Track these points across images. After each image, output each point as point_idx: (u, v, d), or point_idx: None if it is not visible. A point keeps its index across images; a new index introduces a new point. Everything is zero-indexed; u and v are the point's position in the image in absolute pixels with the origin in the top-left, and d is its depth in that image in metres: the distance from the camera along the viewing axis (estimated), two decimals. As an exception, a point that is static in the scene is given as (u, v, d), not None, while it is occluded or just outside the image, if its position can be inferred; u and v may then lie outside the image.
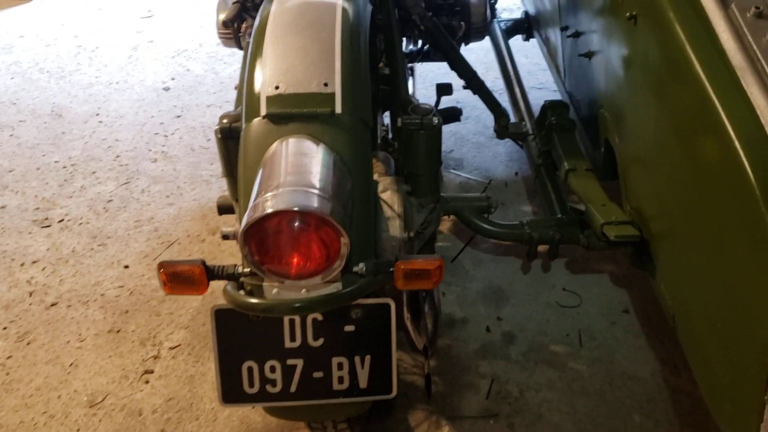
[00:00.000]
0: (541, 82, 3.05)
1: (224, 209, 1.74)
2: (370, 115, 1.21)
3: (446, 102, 2.03)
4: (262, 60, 1.23)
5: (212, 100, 3.02)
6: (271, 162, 1.07)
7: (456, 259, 2.13)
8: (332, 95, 1.15)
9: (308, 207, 0.95)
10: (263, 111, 1.14)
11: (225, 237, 1.51)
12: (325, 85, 1.16)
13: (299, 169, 1.03)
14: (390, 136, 1.93)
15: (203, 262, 1.06)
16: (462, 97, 2.36)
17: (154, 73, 3.24)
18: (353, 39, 1.25)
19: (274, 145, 1.10)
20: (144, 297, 2.07)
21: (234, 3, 2.08)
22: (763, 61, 0.96)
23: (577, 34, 1.80)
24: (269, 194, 0.97)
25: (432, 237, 1.67)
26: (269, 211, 0.94)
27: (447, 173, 2.56)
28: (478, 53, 3.19)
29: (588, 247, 1.55)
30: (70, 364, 1.85)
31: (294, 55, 1.20)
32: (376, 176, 1.53)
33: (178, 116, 2.94)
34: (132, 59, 3.34)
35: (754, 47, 0.98)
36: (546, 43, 2.31)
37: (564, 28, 1.93)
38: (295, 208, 0.94)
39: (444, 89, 2.17)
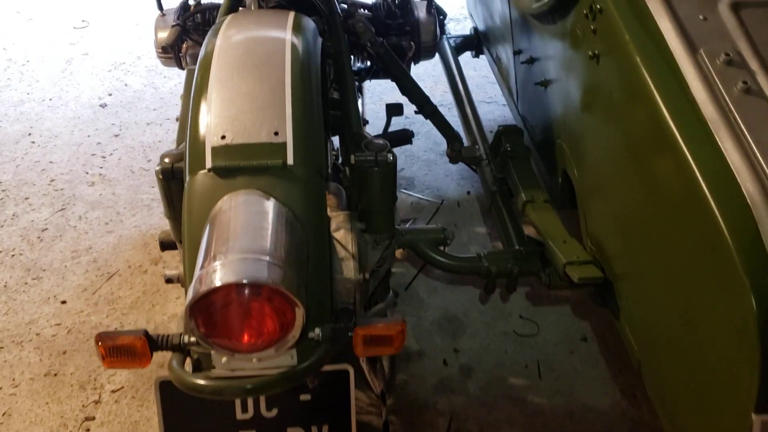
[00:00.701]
0: (490, 96, 3.01)
1: (167, 245, 1.65)
2: (324, 164, 1.14)
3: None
4: (207, 104, 1.15)
5: (152, 117, 2.90)
6: (218, 221, 0.99)
7: (410, 287, 2.07)
8: (283, 145, 1.07)
9: (258, 278, 0.87)
10: (209, 163, 1.06)
11: (168, 281, 1.42)
12: (276, 134, 1.08)
13: (248, 231, 0.96)
14: (340, 161, 1.87)
15: (145, 333, 0.97)
16: (411, 111, 2.30)
17: (90, 88, 3.10)
18: (304, 80, 1.18)
19: (221, 201, 1.02)
20: (83, 335, 1.96)
21: (173, 26, 1.99)
22: (735, 114, 0.93)
23: (531, 60, 1.75)
24: (217, 263, 0.90)
25: (387, 272, 1.61)
26: (217, 284, 0.87)
27: (398, 193, 2.49)
28: (426, 66, 3.13)
29: (549, 286, 1.50)
30: (3, 414, 1.73)
31: (241, 101, 1.12)
32: (327, 211, 1.46)
33: (117, 135, 2.81)
34: (66, 73, 3.19)
35: (726, 98, 0.95)
36: (497, 62, 2.27)
37: (517, 52, 1.88)
38: (245, 281, 0.87)
39: (394, 110, 2.11)
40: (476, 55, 2.60)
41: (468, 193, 2.48)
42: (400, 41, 2.16)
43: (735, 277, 0.90)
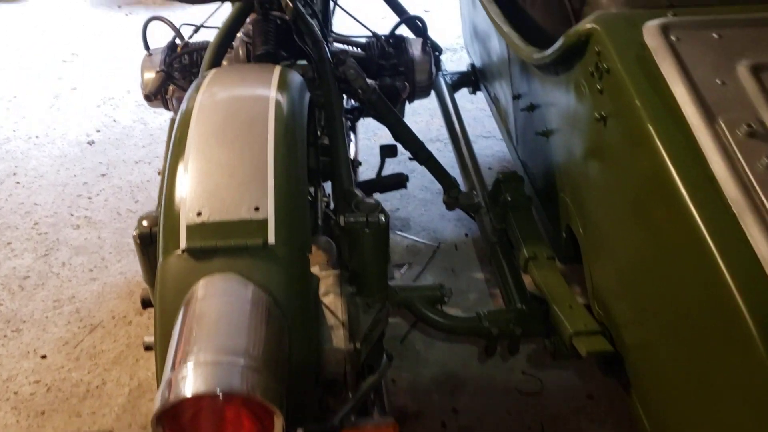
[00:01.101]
0: (488, 131, 2.93)
1: (148, 303, 1.56)
2: (308, 240, 1.05)
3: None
4: (183, 174, 1.06)
5: (141, 155, 2.82)
6: (191, 311, 0.90)
7: (405, 339, 1.98)
8: (264, 222, 0.98)
9: (233, 388, 0.78)
10: (183, 243, 0.97)
11: (147, 348, 1.34)
12: (256, 209, 1.00)
13: (222, 326, 0.87)
14: (332, 206, 1.78)
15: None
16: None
17: (78, 125, 3.02)
18: (288, 147, 1.09)
19: (195, 287, 0.93)
20: (63, 394, 1.86)
21: (157, 72, 1.91)
22: (761, 194, 0.84)
23: (531, 108, 1.67)
24: (188, 365, 0.80)
25: (381, 334, 1.52)
26: (186, 395, 0.77)
27: (393, 235, 2.41)
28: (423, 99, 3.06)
29: (554, 355, 1.41)
30: (-24, 484, 1.63)
31: (220, 173, 1.03)
32: (316, 269, 1.37)
33: (104, 174, 2.72)
34: (53, 109, 3.11)
35: (750, 175, 0.86)
36: (495, 101, 2.18)
37: (516, 97, 1.80)
38: (217, 391, 0.78)
39: (388, 151, 2.03)
40: (473, 92, 2.52)
41: (466, 235, 2.40)
42: (394, 82, 2.08)
43: (759, 362, 0.82)
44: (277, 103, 1.18)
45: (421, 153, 1.88)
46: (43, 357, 1.98)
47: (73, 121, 3.04)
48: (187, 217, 0.99)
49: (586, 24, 1.14)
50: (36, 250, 2.37)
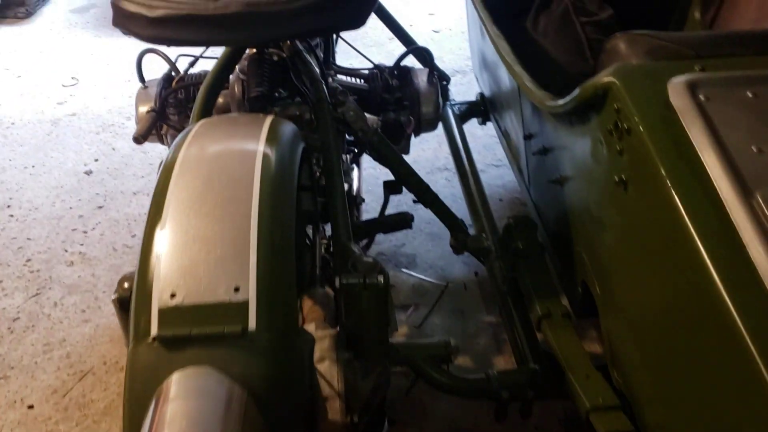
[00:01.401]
0: (499, 158, 2.82)
1: None
2: (296, 324, 0.95)
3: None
4: (160, 243, 0.97)
5: (140, 186, 2.73)
6: (161, 413, 0.80)
7: (410, 392, 1.87)
8: (244, 305, 0.88)
9: None
10: (154, 330, 0.87)
11: None
12: (236, 290, 0.90)
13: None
14: (331, 249, 1.68)
15: None
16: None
17: (76, 153, 2.93)
18: (275, 214, 1.00)
19: (167, 383, 0.83)
20: (49, 449, 1.77)
21: (148, 112, 1.82)
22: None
23: (544, 151, 1.57)
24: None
25: (382, 400, 1.42)
26: None
27: (398, 273, 2.30)
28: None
29: (568, 429, 1.30)
30: None
31: (198, 247, 0.93)
32: (311, 327, 1.27)
33: (100, 207, 2.63)
34: (52, 137, 3.03)
35: (792, 262, 0.75)
36: (505, 136, 2.08)
37: (528, 137, 1.70)
38: None
39: (393, 187, 1.93)
40: (483, 122, 2.42)
41: (476, 274, 2.29)
42: (399, 116, 1.98)
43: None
44: (265, 162, 1.08)
45: (425, 195, 1.77)
46: (30, 407, 1.88)
47: (71, 149, 2.96)
48: (160, 299, 0.89)
49: (604, 77, 1.04)
50: (27, 289, 2.28)
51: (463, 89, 3.23)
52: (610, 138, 1.04)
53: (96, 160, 2.89)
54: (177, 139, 1.24)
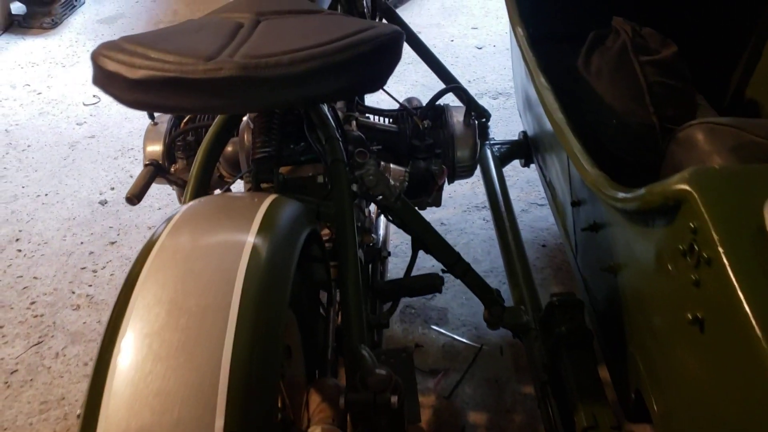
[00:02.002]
0: (542, 197, 2.58)
1: None
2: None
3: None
4: (112, 375, 0.79)
5: (155, 219, 2.56)
6: None
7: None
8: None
9: None
10: None
11: None
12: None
13: None
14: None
15: None
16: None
17: (92, 180, 2.77)
18: (256, 337, 0.82)
19: None
20: None
21: (146, 165, 1.64)
22: None
23: (595, 228, 1.34)
24: None
25: None
26: None
27: (428, 331, 2.09)
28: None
29: None
30: None
31: (152, 400, 0.74)
32: (317, 431, 1.08)
33: (113, 242, 2.47)
34: (68, 161, 2.88)
35: None
36: (550, 188, 1.85)
37: (576, 204, 1.47)
38: None
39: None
40: (526, 165, 2.19)
41: (514, 336, 2.06)
42: (429, 166, 1.76)
43: None
44: (253, 261, 0.90)
45: (456, 266, 1.56)
46: (20, 479, 1.73)
47: (87, 175, 2.80)
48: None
49: (677, 184, 0.81)
50: (29, 336, 2.12)
51: (506, 114, 2.99)
52: (682, 262, 0.81)
53: (112, 189, 2.73)
54: (159, 224, 1.06)
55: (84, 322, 2.17)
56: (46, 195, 2.71)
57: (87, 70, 3.47)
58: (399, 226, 1.54)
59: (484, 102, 3.05)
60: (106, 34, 3.78)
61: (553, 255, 2.33)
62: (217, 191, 1.81)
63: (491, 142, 2.15)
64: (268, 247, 0.97)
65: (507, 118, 2.96)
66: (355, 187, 1.42)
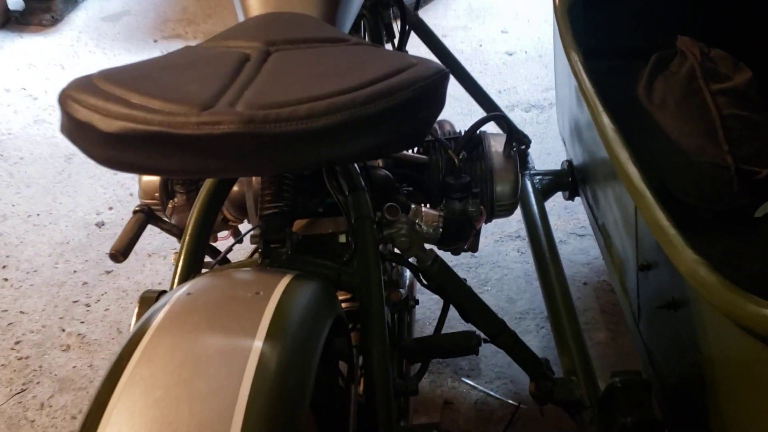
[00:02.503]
0: (582, 225, 2.34)
1: None
2: None
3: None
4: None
5: (155, 246, 2.33)
6: None
7: None
8: None
9: None
10: None
11: None
12: None
13: None
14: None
15: None
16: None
17: (88, 199, 2.55)
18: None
19: None
20: None
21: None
22: None
23: (674, 305, 1.10)
24: None
25: None
26: None
27: (458, 384, 1.86)
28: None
29: None
30: None
31: None
32: None
33: (109, 271, 2.25)
34: (63, 176, 2.65)
35: None
36: (603, 233, 1.60)
37: (645, 268, 1.22)
38: None
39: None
40: (570, 198, 1.94)
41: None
42: (466, 208, 1.52)
43: None
44: (261, 371, 0.70)
45: (502, 337, 1.33)
46: None
47: (84, 193, 2.57)
48: None
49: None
50: (12, 382, 1.91)
51: (541, 129, 2.74)
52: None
53: (110, 209, 2.50)
54: (146, 316, 0.84)
55: (74, 366, 1.95)
56: (38, 215, 2.48)
57: (85, 74, 3.23)
58: (434, 291, 1.30)
59: (515, 115, 2.80)
60: (110, 33, 3.54)
61: (596, 295, 2.09)
62: (222, 233, 1.59)
63: (531, 171, 1.91)
64: (281, 353, 0.77)
65: (541, 134, 2.71)
66: (382, 247, 1.19)
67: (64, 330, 2.06)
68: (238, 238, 1.23)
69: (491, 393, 1.83)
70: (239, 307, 0.80)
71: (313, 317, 0.88)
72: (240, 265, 1.10)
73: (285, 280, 0.88)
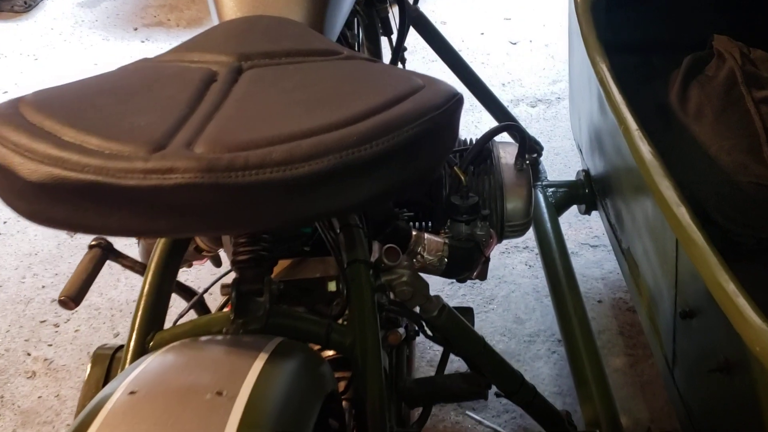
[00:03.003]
0: (595, 235, 2.15)
1: None
2: None
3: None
4: None
5: (134, 254, 2.13)
6: None
7: None
8: None
9: None
10: None
11: None
12: None
13: None
14: None
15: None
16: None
17: (60, 203, 2.35)
18: None
19: None
20: None
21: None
22: None
23: (727, 368, 0.92)
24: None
25: None
26: None
27: (461, 418, 1.68)
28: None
29: None
30: None
31: None
32: None
33: (80, 287, 2.05)
34: (34, 178, 2.45)
35: None
36: (627, 258, 1.42)
37: (687, 316, 1.04)
38: None
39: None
40: (587, 212, 1.76)
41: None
42: (474, 232, 1.33)
43: None
44: None
45: (520, 394, 1.15)
46: None
47: (56, 197, 2.37)
48: None
49: None
50: (-30, 415, 1.73)
51: (549, 127, 2.55)
52: None
53: (83, 215, 2.31)
54: (80, 416, 0.66)
55: (39, 396, 1.77)
56: (5, 223, 2.29)
57: (63, 66, 3.05)
58: (440, 344, 1.12)
59: (521, 111, 2.62)
60: (87, 20, 3.33)
61: (613, 314, 1.91)
62: (196, 263, 1.41)
63: (544, 183, 1.72)
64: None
65: (549, 132, 2.52)
66: (380, 295, 1.01)
67: (29, 354, 1.88)
68: (204, 289, 1.05)
69: (499, 429, 1.65)
70: (195, 417, 0.62)
71: (296, 410, 0.70)
72: (207, 325, 0.91)
73: (257, 367, 0.70)
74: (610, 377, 1.76)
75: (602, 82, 1.31)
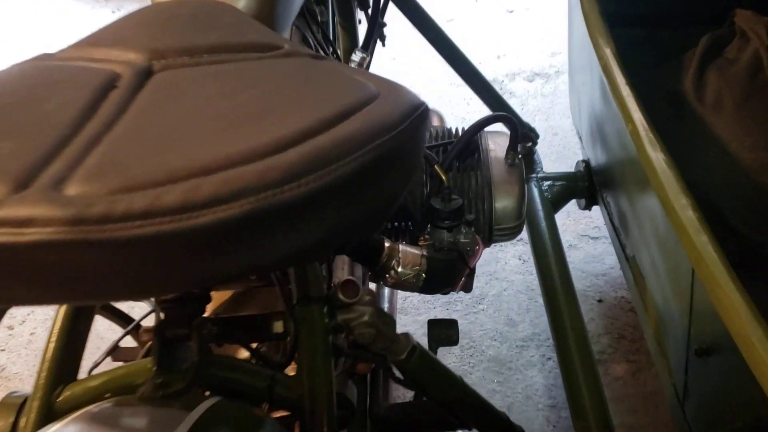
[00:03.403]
0: (596, 225, 1.99)
1: None
2: None
3: None
4: None
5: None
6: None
7: None
8: None
9: None
10: None
11: None
12: None
13: None
14: None
15: None
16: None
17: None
18: None
19: None
20: None
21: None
22: None
23: (744, 417, 0.77)
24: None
25: None
26: None
27: None
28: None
29: None
30: None
31: None
32: None
33: (37, 283, 1.90)
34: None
35: None
36: (632, 265, 1.26)
37: (703, 353, 0.88)
38: None
39: (443, 335, 1.19)
40: (587, 207, 1.59)
41: (553, 427, 1.52)
42: (457, 241, 1.17)
43: None
44: None
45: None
46: None
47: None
48: None
49: None
50: None
51: (547, 103, 2.37)
52: None
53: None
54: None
55: (-13, 408, 1.62)
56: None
57: (32, 34, 2.85)
58: (412, 389, 0.97)
59: (517, 85, 2.44)
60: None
61: (613, 315, 1.75)
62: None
63: (539, 175, 1.55)
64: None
65: (547, 109, 2.35)
66: (337, 336, 0.85)
67: (-20, 360, 1.73)
68: (125, 332, 0.89)
69: (488, 445, 1.50)
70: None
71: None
72: (125, 378, 0.76)
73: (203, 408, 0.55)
74: (610, 386, 1.62)
75: (605, 67, 1.13)
